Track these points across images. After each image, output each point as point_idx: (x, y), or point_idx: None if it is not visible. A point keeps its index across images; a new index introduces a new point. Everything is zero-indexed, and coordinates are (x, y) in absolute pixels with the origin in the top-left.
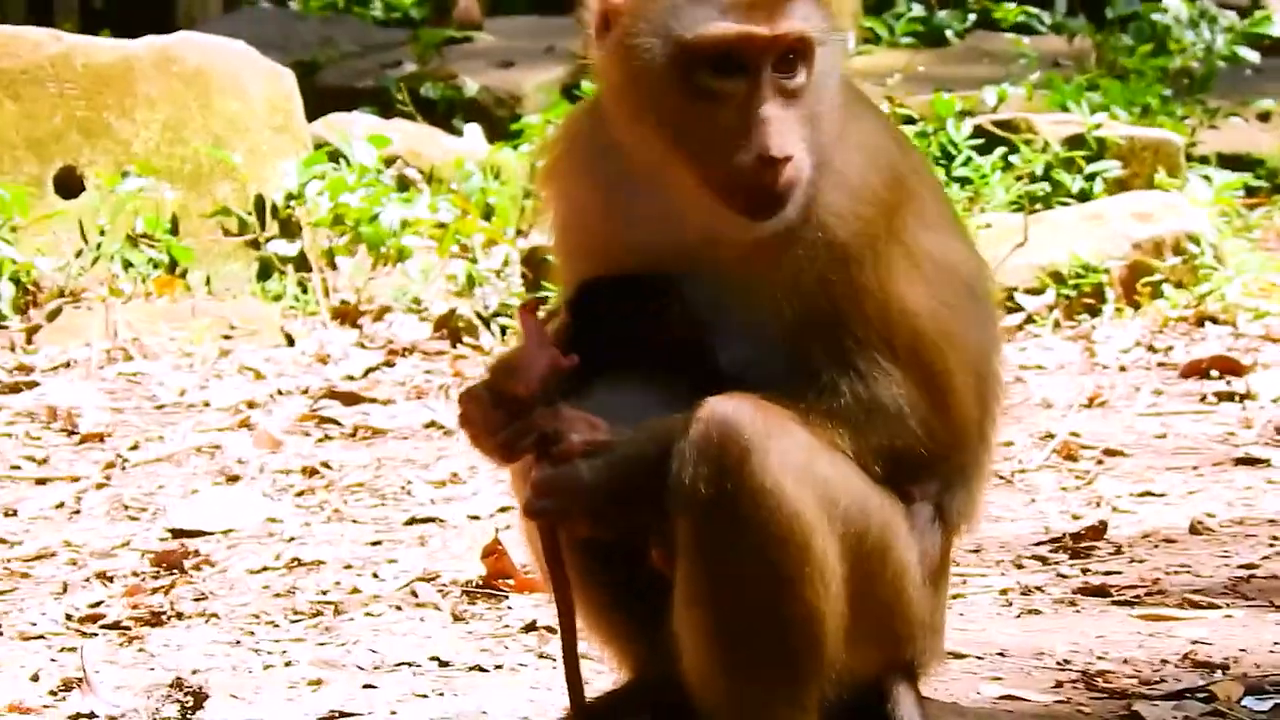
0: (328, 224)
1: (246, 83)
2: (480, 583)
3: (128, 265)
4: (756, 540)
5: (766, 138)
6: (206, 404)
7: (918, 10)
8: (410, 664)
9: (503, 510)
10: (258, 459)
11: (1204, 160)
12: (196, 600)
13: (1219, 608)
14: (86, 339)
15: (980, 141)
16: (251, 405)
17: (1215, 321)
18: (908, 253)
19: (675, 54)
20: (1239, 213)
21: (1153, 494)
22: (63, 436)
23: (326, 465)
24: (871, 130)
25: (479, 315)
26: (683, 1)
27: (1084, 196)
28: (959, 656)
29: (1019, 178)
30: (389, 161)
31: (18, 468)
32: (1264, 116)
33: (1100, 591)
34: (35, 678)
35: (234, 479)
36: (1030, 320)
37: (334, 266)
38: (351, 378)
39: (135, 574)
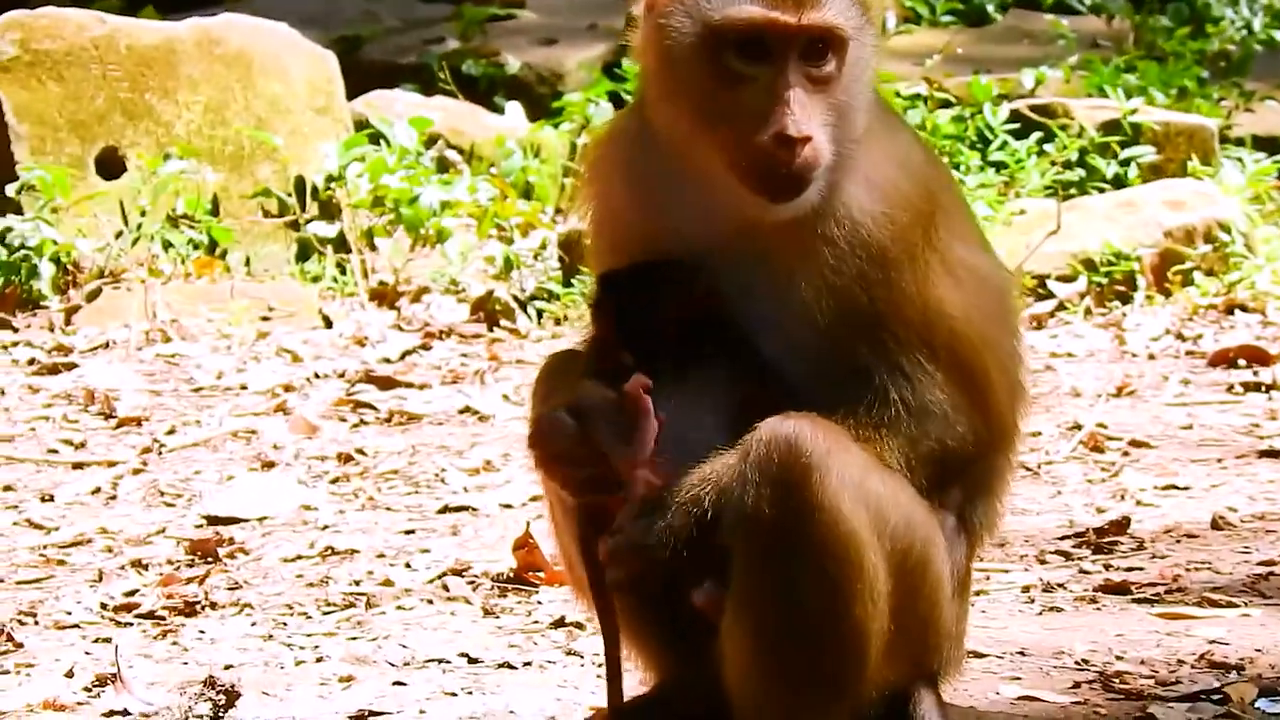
0: (367, 205)
1: (288, 64)
2: (511, 575)
3: (168, 246)
4: (814, 557)
5: (785, 117)
6: (244, 387)
7: None
8: (440, 660)
9: (534, 499)
10: (293, 444)
11: (1239, 143)
12: (230, 589)
13: (1237, 606)
14: (125, 320)
15: (1017, 126)
16: (288, 389)
17: (1245, 309)
18: (942, 260)
19: (705, 35)
20: (1271, 197)
21: (1176, 487)
22: (100, 420)
23: (361, 452)
24: (905, 144)
25: (515, 298)
26: None
27: (1118, 182)
28: (980, 656)
29: (1054, 163)
30: (429, 142)
31: (55, 451)
32: None
33: (1121, 589)
34: (70, 673)
35: (269, 465)
36: (1062, 307)
37: (373, 248)
38: (388, 360)
39: (170, 562)
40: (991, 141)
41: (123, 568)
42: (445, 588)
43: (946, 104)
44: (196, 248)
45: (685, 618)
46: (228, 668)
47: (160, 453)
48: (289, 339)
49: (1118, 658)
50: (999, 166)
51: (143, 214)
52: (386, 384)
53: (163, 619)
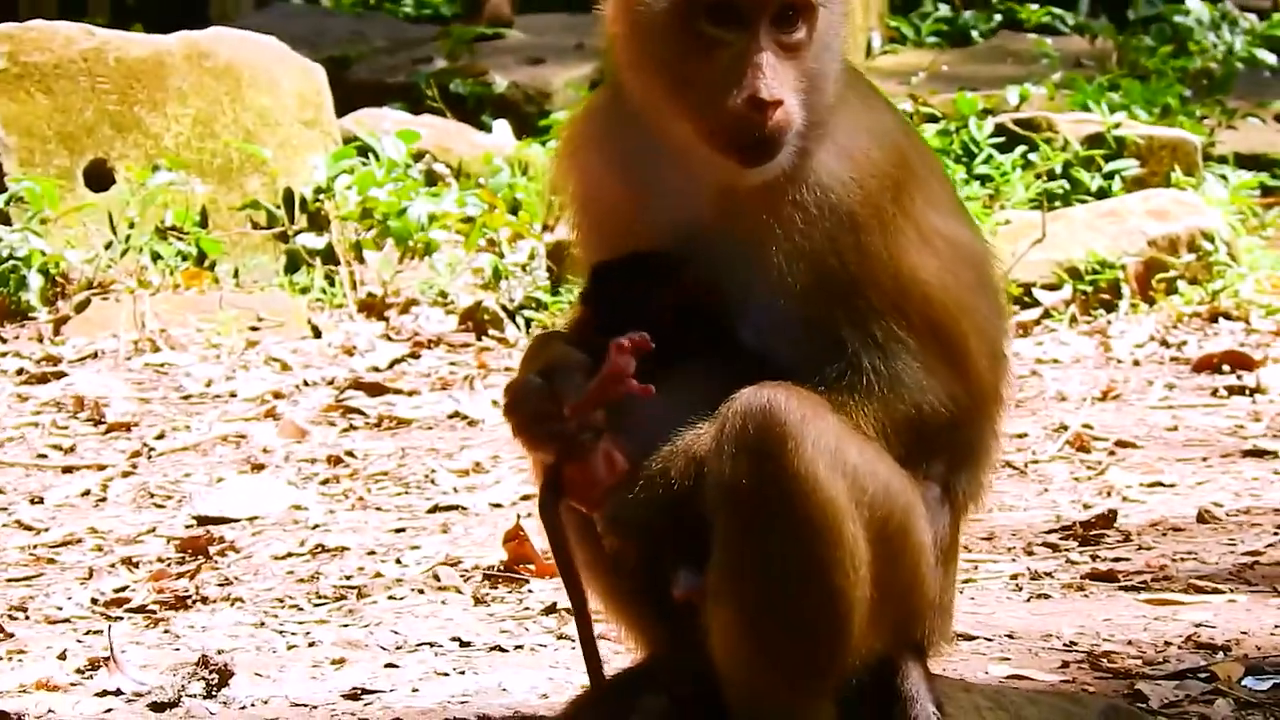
0: (356, 218)
1: (277, 78)
2: (501, 567)
3: (156, 258)
4: (792, 526)
5: (757, 81)
6: (233, 394)
7: (944, 10)
8: (432, 644)
9: (525, 498)
10: (283, 448)
11: (1222, 160)
12: (221, 585)
13: (1223, 593)
14: (114, 330)
15: (1002, 140)
16: (277, 396)
17: (1228, 317)
18: (916, 227)
19: (676, 2)
20: (1255, 212)
21: (1162, 484)
22: (89, 426)
23: (351, 454)
24: (877, 112)
25: (504, 308)
26: None
27: (1102, 195)
28: (969, 638)
29: (1039, 175)
30: (418, 156)
31: (44, 456)
32: None
33: (1108, 577)
34: (63, 656)
35: (259, 467)
36: (1047, 315)
37: (361, 260)
38: (377, 369)
39: (161, 560)
40: (977, 155)
41: (113, 566)
42: (436, 578)
43: (932, 119)
44: (185, 259)
45: (669, 592)
46: (220, 652)
47: (150, 456)
48: (278, 348)
49: (1105, 640)
50: (984, 180)
51: (131, 226)
52: (375, 390)
53: (154, 612)
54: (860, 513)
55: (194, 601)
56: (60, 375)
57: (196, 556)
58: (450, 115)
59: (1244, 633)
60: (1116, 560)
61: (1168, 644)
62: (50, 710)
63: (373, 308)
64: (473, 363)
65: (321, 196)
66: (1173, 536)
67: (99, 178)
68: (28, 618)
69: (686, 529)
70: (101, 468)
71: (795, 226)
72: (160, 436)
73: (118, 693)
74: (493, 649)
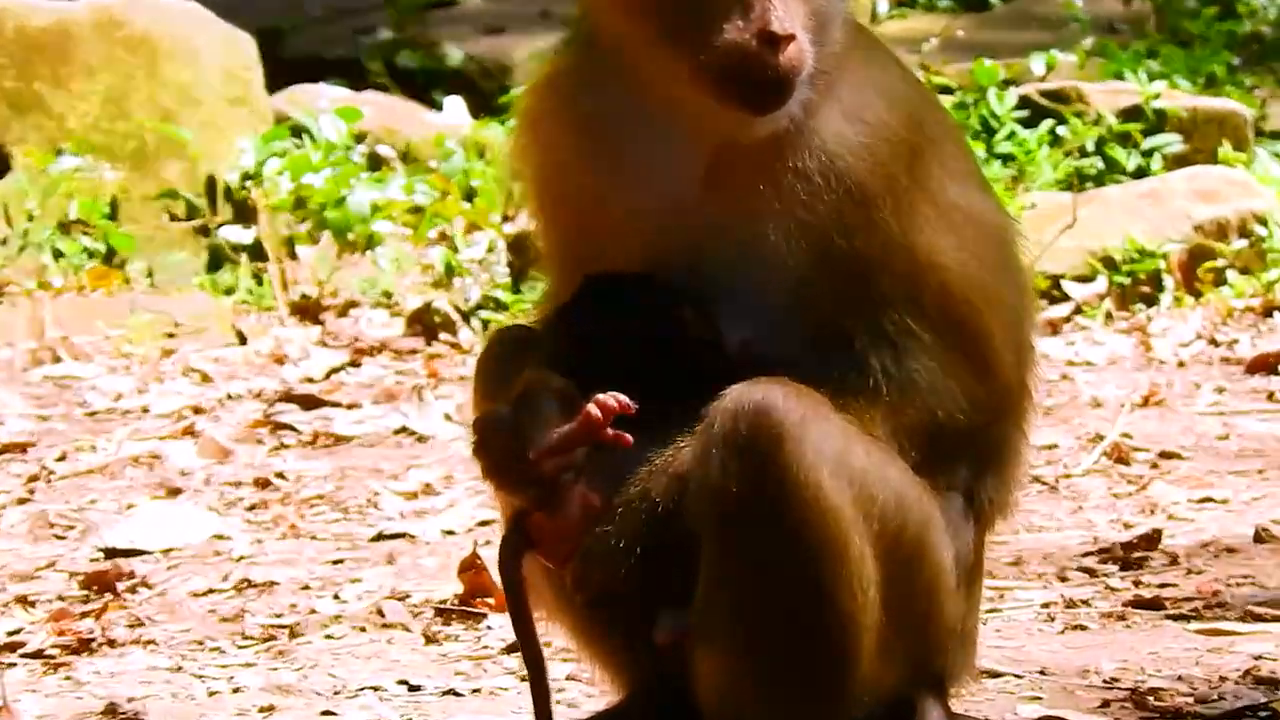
0: (288, 208)
1: (199, 49)
2: (456, 601)
3: (59, 255)
4: (790, 540)
5: (768, 12)
6: (145, 410)
7: None
8: (376, 689)
9: (482, 524)
10: (203, 470)
11: (1275, 135)
12: (131, 626)
13: None
14: (9, 339)
15: (1025, 114)
16: (197, 411)
17: None
18: (932, 200)
19: None
20: None
21: (1213, 500)
22: None
23: (281, 476)
24: (888, 69)
25: (458, 309)
26: None
27: (1141, 174)
28: (995, 675)
29: (1068, 153)
30: (359, 138)
31: None
32: None
33: (1153, 604)
34: None
35: (175, 492)
36: (1079, 311)
37: (294, 256)
38: (311, 380)
39: (62, 598)
40: (997, 131)
41: (6, 605)
42: (380, 614)
43: (946, 90)
44: (92, 256)
45: (648, 632)
46: (131, 700)
47: (49, 481)
48: (198, 357)
49: (1151, 675)
50: (1007, 159)
51: (30, 219)
52: (310, 403)
53: (53, 657)
54: (869, 525)
55: (100, 644)
56: None
57: (103, 594)
58: (397, 92)
59: None
60: (1162, 586)
61: (1222, 679)
62: None
63: (307, 310)
64: (422, 371)
65: (249, 184)
66: (1226, 559)
67: None
68: None
69: (670, 564)
70: None
71: (797, 199)
72: (61, 458)
73: None
74: (446, 693)
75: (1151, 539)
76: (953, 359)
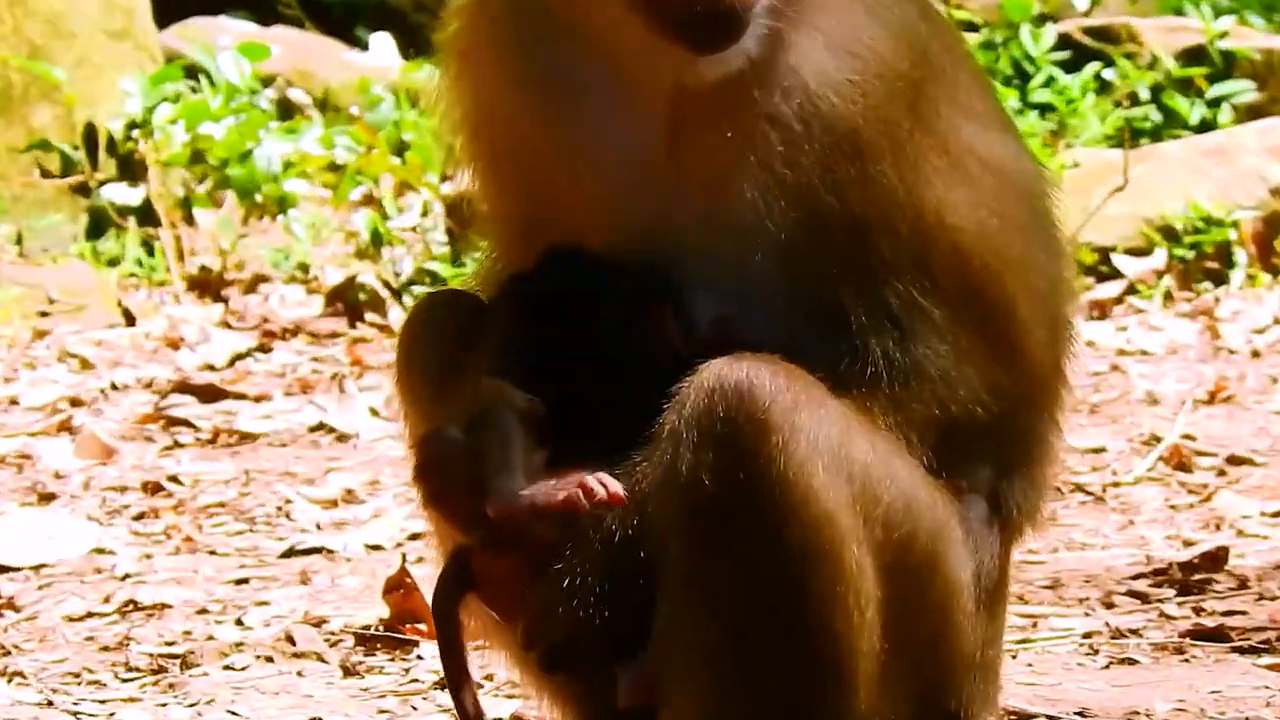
0: (183, 163)
1: None
2: (381, 627)
3: None
4: (773, 550)
5: None
6: (14, 402)
7: None
8: None
9: (413, 538)
10: (82, 472)
11: None
12: None
13: None
14: None
15: (1067, 55)
16: (75, 403)
17: None
18: (941, 147)
19: None
20: None
21: None
22: None
23: (175, 480)
24: None
25: (387, 285)
26: None
27: (1205, 127)
28: (1025, 717)
29: (1118, 103)
30: (267, 81)
31: None
32: None
33: (1217, 635)
34: None
35: (48, 498)
36: (1132, 290)
37: (190, 221)
38: (212, 367)
39: None
40: (1033, 76)
41: None
42: (291, 641)
43: (970, 27)
44: None
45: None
46: None
47: None
48: (76, 340)
49: (1214, 718)
50: (1044, 109)
51: None
52: (210, 395)
53: None
54: (870, 533)
55: None
56: None
57: None
58: (312, 27)
59: None
60: (1228, 614)
61: None
62: None
63: (207, 285)
64: (343, 358)
65: (135, 134)
66: None
67: None
68: None
69: (634, 609)
70: None
71: (773, 151)
72: None
73: None
74: None
75: (1216, 559)
76: (970, 339)
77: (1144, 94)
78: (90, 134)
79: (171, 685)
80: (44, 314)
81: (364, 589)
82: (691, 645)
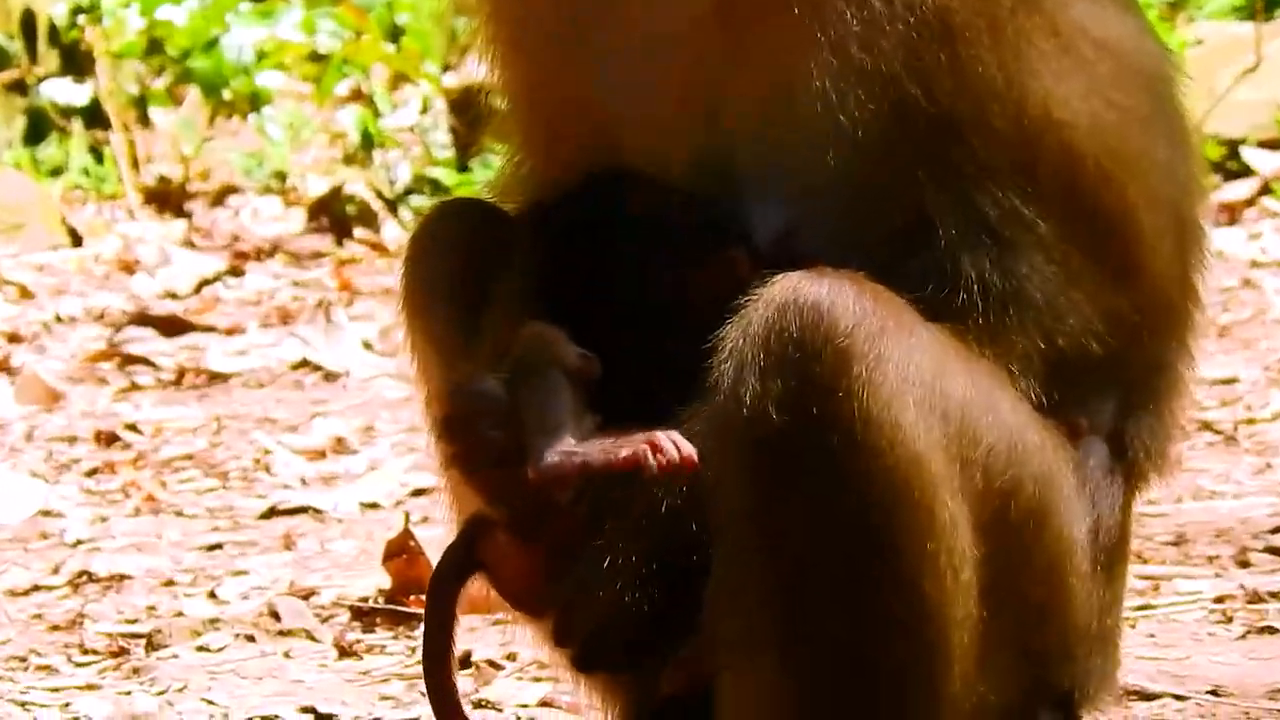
0: (137, 54)
1: None
2: (381, 599)
3: None
4: (853, 500)
5: None
6: None
7: None
8: (269, 719)
9: (416, 494)
10: (24, 420)
11: None
12: None
13: None
14: None
15: None
16: (14, 339)
17: None
18: (1049, 26)
19: None
20: None
21: None
22: None
23: (133, 429)
24: None
25: (380, 195)
26: None
27: None
28: (1146, 696)
29: None
30: None
31: None
32: None
33: None
34: None
35: None
36: (1266, 190)
37: (146, 122)
38: (174, 295)
39: None
40: None
41: None
42: (275, 616)
43: None
44: None
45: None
46: None
47: None
48: (13, 265)
49: None
50: None
51: None
52: (173, 328)
53: None
54: (967, 481)
55: None
56: None
57: None
58: None
59: None
60: None
61: None
62: None
63: (166, 198)
64: (330, 282)
65: (82, 21)
66: None
67: None
68: None
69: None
70: None
71: (848, 30)
72: None
73: None
74: None
75: None
76: (1081, 257)
77: None
78: (28, 21)
79: (135, 670)
80: None
81: (359, 555)
82: (753, 614)
